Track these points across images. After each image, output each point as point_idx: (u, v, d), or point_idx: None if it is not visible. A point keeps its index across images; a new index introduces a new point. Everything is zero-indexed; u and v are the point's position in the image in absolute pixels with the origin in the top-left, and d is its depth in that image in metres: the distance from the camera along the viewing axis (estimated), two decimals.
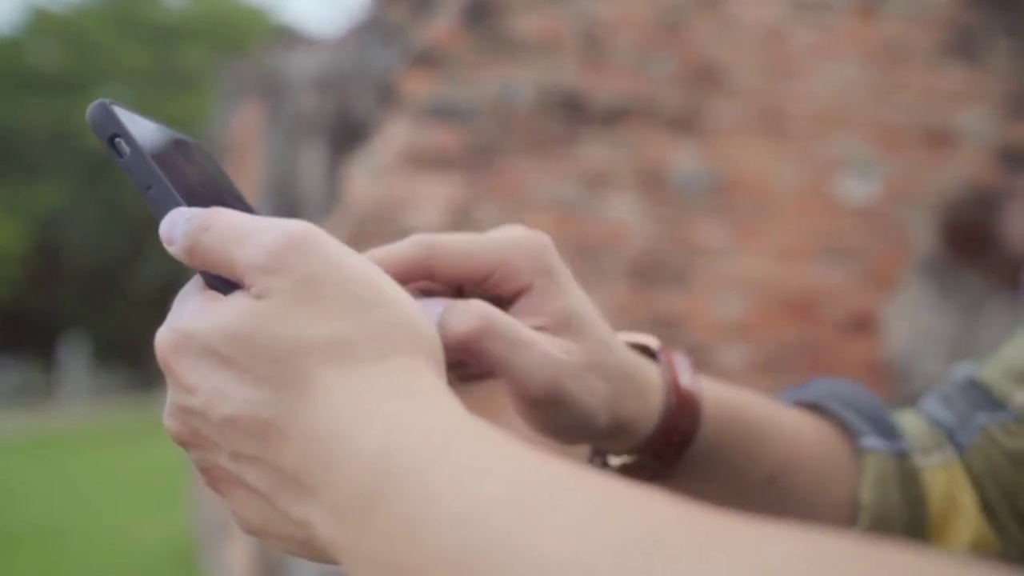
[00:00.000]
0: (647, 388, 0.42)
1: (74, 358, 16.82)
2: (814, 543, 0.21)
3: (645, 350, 0.45)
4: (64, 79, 20.45)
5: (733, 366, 2.78)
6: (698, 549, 0.21)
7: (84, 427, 12.65)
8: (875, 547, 0.20)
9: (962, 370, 0.52)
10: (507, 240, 0.40)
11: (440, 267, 0.39)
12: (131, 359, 19.32)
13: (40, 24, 21.73)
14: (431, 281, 0.40)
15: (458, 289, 0.41)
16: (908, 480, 0.47)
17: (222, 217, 0.34)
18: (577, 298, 0.41)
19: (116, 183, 19.47)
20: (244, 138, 4.89)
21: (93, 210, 20.01)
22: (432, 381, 0.31)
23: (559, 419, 0.39)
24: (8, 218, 19.09)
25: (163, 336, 0.33)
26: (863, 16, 3.00)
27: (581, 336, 0.40)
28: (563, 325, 0.39)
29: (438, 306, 0.37)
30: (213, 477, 0.34)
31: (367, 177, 2.70)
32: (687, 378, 0.43)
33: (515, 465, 0.27)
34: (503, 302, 0.40)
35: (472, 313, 0.37)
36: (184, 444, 0.34)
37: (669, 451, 0.43)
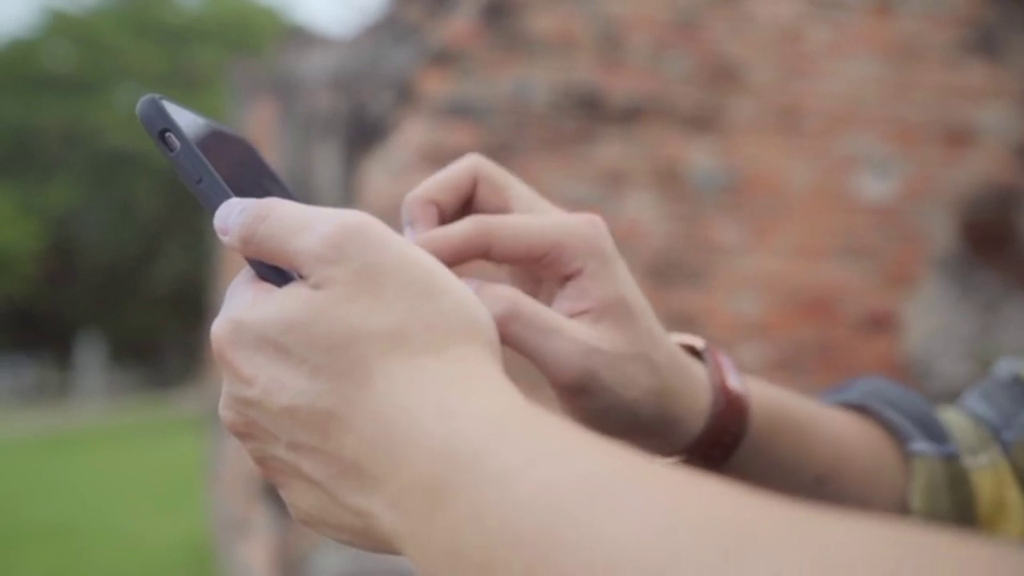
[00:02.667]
0: (696, 387, 0.42)
1: (89, 357, 16.89)
2: (898, 537, 0.20)
3: (691, 350, 0.45)
4: (78, 80, 20.57)
5: (750, 365, 2.77)
6: (779, 539, 0.21)
7: (99, 426, 12.70)
8: (963, 543, 0.20)
9: (1006, 367, 0.52)
10: (562, 223, 0.39)
11: (496, 247, 0.39)
12: (146, 358, 19.41)
13: (55, 26, 21.85)
14: (486, 259, 0.40)
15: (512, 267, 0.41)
16: (957, 484, 0.47)
17: (278, 207, 0.33)
18: (627, 286, 0.40)
19: (129, 182, 19.55)
20: (258, 138, 4.90)
21: (107, 209, 20.09)
22: (490, 368, 0.31)
23: (595, 407, 0.38)
24: (23, 217, 19.20)
25: (219, 327, 0.33)
26: (880, 13, 2.98)
27: (627, 324, 0.39)
28: (609, 311, 0.39)
29: (468, 287, 0.37)
30: (269, 468, 0.34)
31: (384, 176, 2.70)
32: (734, 379, 0.43)
33: (582, 449, 0.26)
34: (555, 284, 0.40)
35: (499, 299, 0.37)
36: (240, 435, 0.34)
37: (716, 453, 0.42)
